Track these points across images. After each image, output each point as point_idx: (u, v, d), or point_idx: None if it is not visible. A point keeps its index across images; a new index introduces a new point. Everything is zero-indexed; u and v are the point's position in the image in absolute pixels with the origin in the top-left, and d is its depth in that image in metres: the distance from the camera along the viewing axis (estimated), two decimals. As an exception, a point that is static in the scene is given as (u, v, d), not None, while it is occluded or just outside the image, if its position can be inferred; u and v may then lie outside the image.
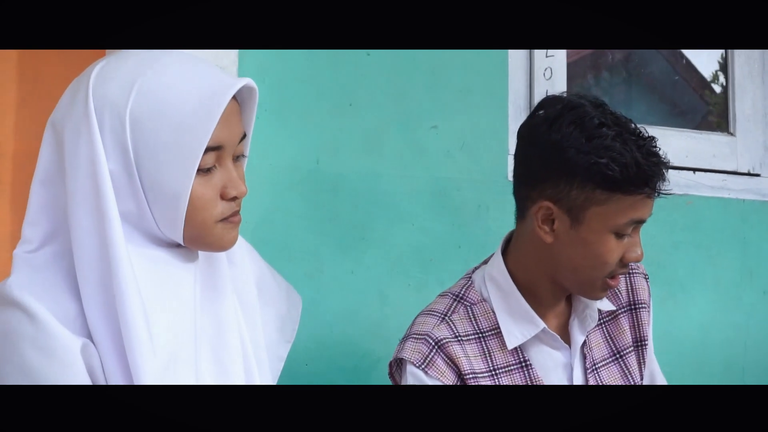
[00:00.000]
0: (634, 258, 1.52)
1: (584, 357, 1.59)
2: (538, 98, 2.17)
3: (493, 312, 1.56)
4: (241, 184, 1.26)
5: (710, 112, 2.70)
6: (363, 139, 2.02)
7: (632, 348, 1.63)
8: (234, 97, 1.24)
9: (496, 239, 2.13)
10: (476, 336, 1.56)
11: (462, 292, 1.61)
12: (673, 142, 2.39)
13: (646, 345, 1.64)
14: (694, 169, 2.40)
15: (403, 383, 1.56)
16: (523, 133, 1.56)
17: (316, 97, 1.99)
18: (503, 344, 1.54)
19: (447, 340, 1.53)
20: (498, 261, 1.62)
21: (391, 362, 1.62)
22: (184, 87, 1.20)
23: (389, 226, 2.04)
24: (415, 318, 1.62)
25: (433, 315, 1.58)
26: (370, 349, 2.00)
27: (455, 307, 1.59)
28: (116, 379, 1.18)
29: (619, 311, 1.65)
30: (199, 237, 1.25)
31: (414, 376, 1.52)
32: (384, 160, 2.05)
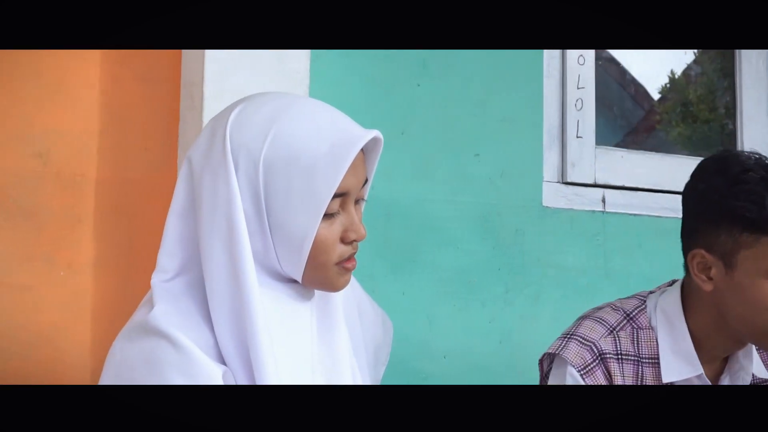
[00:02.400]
0: None
1: None
2: (570, 128, 2.30)
3: (656, 342, 1.59)
4: (361, 228, 1.33)
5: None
6: (413, 166, 2.11)
7: None
8: None
9: (532, 262, 2.25)
10: (635, 359, 1.59)
11: (633, 313, 1.63)
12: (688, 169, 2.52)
13: None
14: None
15: (554, 377, 1.61)
16: (683, 191, 1.63)
17: (371, 125, 2.06)
18: (657, 375, 1.57)
19: (610, 355, 1.58)
20: (675, 296, 1.63)
21: (546, 354, 1.66)
22: (316, 135, 1.26)
23: (437, 249, 2.13)
24: (582, 320, 1.65)
25: (602, 324, 1.61)
26: (418, 367, 2.09)
27: (624, 325, 1.62)
28: None
29: None
30: (317, 277, 1.32)
31: (573, 378, 1.56)
32: (433, 186, 2.14)
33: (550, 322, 2.24)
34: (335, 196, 1.27)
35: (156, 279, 1.30)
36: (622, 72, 3.60)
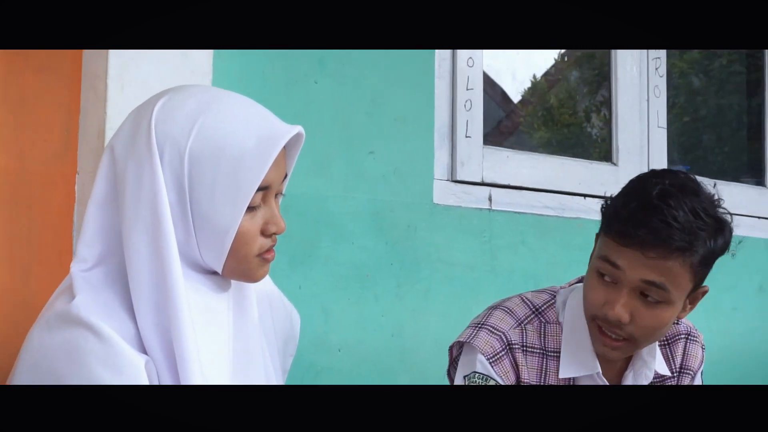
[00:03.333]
0: (607, 310, 1.55)
1: None
2: (460, 128, 2.37)
3: (562, 338, 1.66)
4: (281, 221, 1.37)
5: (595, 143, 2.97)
6: (310, 163, 2.14)
7: None
8: None
9: (423, 258, 2.31)
10: (540, 352, 1.66)
11: (543, 307, 1.70)
12: (569, 169, 2.63)
13: None
14: (585, 195, 2.65)
15: (462, 365, 1.66)
16: None
17: None
18: (559, 369, 1.65)
19: (517, 346, 1.64)
20: (581, 293, 1.69)
21: (457, 343, 1.71)
22: (243, 129, 1.29)
23: (333, 245, 2.16)
24: (492, 310, 1.71)
25: (512, 316, 1.68)
26: (314, 360, 2.12)
27: (532, 318, 1.69)
28: None
29: (668, 379, 1.75)
30: (238, 269, 1.35)
31: (482, 365, 1.62)
32: (329, 182, 2.17)
33: (440, 316, 2.31)
34: (258, 189, 1.30)
35: (75, 268, 1.30)
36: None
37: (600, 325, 1.59)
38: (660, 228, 1.49)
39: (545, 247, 2.54)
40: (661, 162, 2.84)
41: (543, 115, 3.07)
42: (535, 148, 2.69)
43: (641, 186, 1.57)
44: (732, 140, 3.31)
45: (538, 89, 3.19)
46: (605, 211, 1.60)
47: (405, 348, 2.25)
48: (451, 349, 1.75)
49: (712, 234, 1.54)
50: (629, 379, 1.70)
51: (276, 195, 1.38)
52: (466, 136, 2.41)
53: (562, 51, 3.04)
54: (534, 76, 3.03)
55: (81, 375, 1.21)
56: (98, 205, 1.31)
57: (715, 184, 2.97)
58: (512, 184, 2.50)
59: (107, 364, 1.21)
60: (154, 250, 1.26)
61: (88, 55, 1.80)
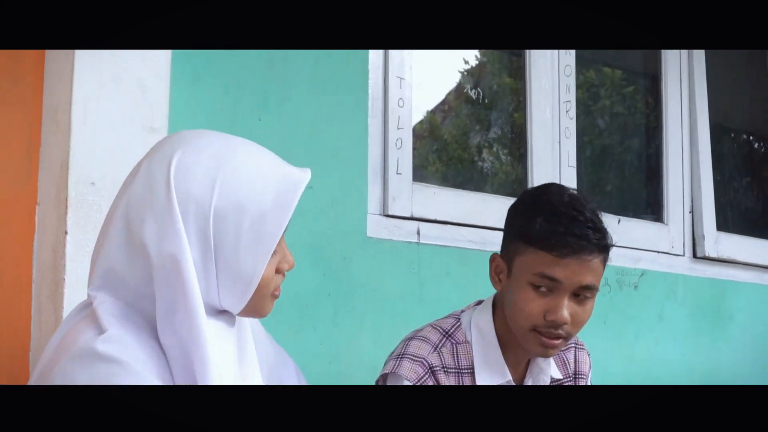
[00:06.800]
0: (553, 318, 1.69)
1: None
2: (392, 165, 2.50)
3: (473, 355, 1.80)
4: (291, 258, 1.44)
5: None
6: (254, 196, 2.22)
7: None
8: None
9: (358, 288, 2.41)
10: (456, 371, 1.79)
11: (451, 330, 1.83)
12: (490, 205, 2.78)
13: None
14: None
15: None
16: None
17: None
18: (474, 383, 1.78)
19: (438, 368, 1.76)
20: (487, 312, 1.84)
21: (382, 376, 1.81)
22: (261, 183, 1.34)
23: (274, 275, 2.24)
24: (408, 341, 1.82)
25: (427, 343, 1.80)
26: (256, 386, 2.18)
27: (444, 342, 1.81)
28: None
29: (565, 380, 1.92)
30: (252, 307, 1.40)
31: None
32: (271, 215, 2.25)
33: (373, 343, 2.42)
34: None
35: (95, 302, 1.32)
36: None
37: (540, 331, 1.72)
38: (585, 233, 1.68)
39: (468, 278, 2.67)
40: (571, 199, 3.01)
41: (437, 150, 3.19)
42: (429, 179, 2.82)
43: (545, 200, 1.74)
44: (632, 180, 3.53)
45: (431, 124, 3.30)
46: (522, 231, 1.73)
47: (342, 374, 2.34)
48: (377, 383, 1.85)
49: (605, 233, 1.74)
50: (529, 383, 1.86)
51: None
52: (397, 173, 2.53)
53: (453, 86, 3.17)
54: (427, 112, 3.15)
55: None
56: (113, 245, 1.32)
57: (619, 221, 3.19)
58: (438, 218, 2.63)
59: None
60: (179, 300, 1.29)
61: (50, 86, 1.86)
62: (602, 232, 1.71)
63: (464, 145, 3.14)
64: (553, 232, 1.68)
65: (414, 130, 2.63)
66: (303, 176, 1.41)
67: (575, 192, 1.80)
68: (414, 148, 2.60)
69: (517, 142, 3.11)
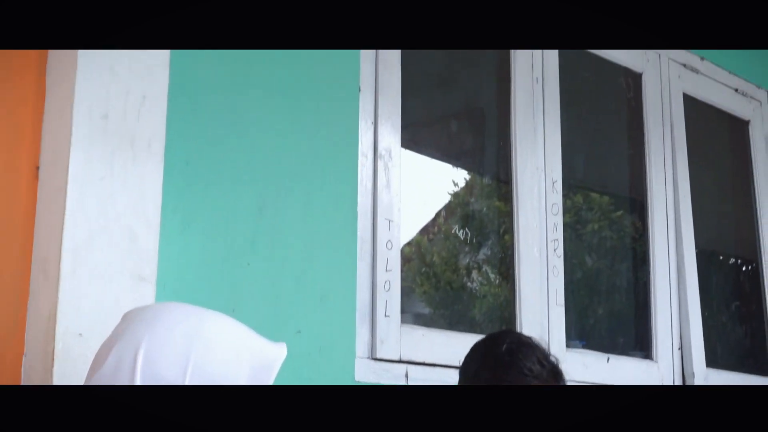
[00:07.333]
0: None
1: None
2: (380, 308, 2.49)
3: None
4: None
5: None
6: (241, 342, 2.20)
7: None
8: None
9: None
10: None
11: None
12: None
13: None
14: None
15: None
16: None
17: (205, 302, 2.09)
18: None
19: None
20: None
21: None
22: (235, 361, 1.34)
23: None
24: None
25: None
26: None
27: None
28: None
29: None
30: None
31: None
32: (258, 361, 2.23)
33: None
34: None
35: None
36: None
37: None
38: (518, 380, 1.78)
39: (457, 421, 2.63)
40: (560, 337, 3.01)
41: (425, 272, 3.19)
42: (419, 304, 2.82)
43: (490, 346, 1.90)
44: (621, 314, 3.53)
45: (419, 246, 3.31)
46: (463, 376, 1.87)
47: None
48: None
49: (553, 377, 1.84)
50: None
51: None
52: (386, 316, 2.52)
53: (440, 208, 3.20)
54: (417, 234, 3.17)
55: None
56: None
57: (608, 359, 3.17)
58: (426, 361, 2.61)
59: None
60: None
61: (41, 236, 1.85)
62: (540, 379, 1.81)
63: (453, 267, 3.14)
64: (487, 379, 1.83)
65: (402, 252, 2.63)
66: (278, 353, 1.41)
67: (526, 339, 1.93)
68: (402, 271, 2.60)
69: (506, 263, 3.10)
